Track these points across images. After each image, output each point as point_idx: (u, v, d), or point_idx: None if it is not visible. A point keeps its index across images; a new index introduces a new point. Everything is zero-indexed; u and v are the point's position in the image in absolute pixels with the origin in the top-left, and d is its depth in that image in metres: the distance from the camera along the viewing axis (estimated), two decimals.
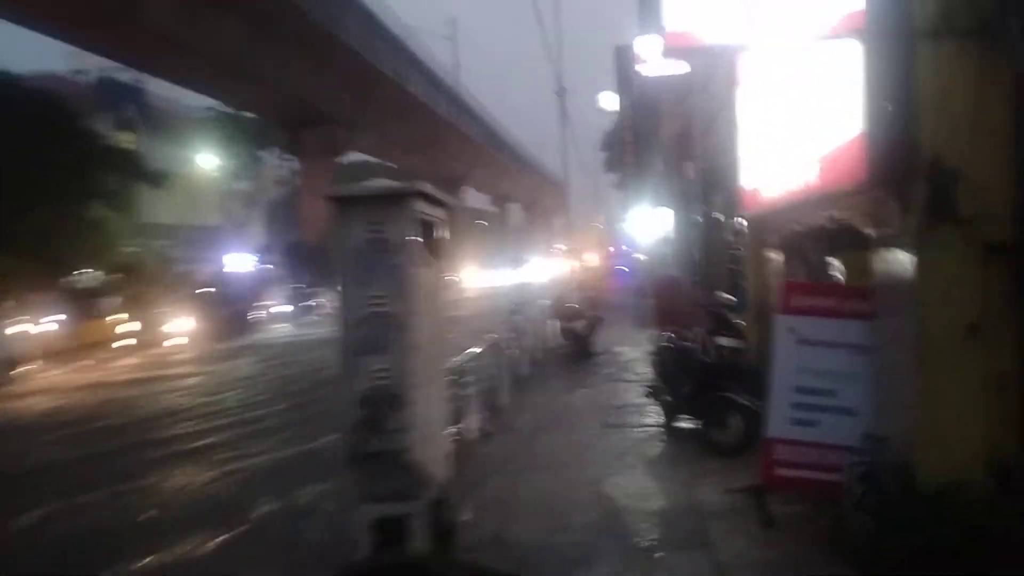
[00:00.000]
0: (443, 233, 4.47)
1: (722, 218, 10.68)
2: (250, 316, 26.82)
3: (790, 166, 5.77)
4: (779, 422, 4.97)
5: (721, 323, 6.85)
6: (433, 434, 4.04)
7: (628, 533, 4.98)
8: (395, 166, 58.39)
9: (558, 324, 13.27)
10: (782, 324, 5.00)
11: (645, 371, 10.15)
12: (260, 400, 11.72)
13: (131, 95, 47.74)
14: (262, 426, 9.73)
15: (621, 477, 6.13)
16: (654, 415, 7.77)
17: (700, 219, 12.48)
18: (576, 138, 62.02)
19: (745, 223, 8.34)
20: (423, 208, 4.05)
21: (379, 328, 3.81)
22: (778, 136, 6.19)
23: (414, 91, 41.11)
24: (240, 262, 45.74)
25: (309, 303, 32.24)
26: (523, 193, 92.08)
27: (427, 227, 4.19)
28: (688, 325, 8.29)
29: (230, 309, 25.29)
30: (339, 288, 3.86)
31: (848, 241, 5.48)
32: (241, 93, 35.94)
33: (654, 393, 7.45)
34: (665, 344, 7.45)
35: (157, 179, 45.41)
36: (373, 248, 3.83)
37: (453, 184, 67.26)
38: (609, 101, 24.95)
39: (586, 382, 10.49)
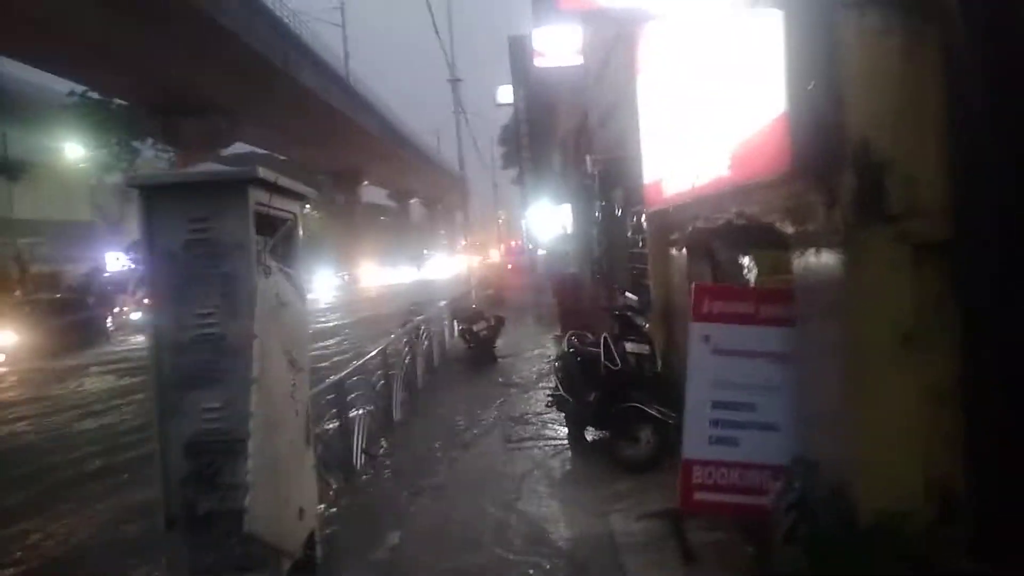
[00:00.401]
0: (297, 232, 3.63)
1: (621, 214, 10.26)
2: (108, 323, 23.72)
3: (697, 156, 5.29)
4: (696, 441, 4.46)
5: (627, 326, 6.33)
6: (285, 486, 3.20)
7: (536, 573, 4.34)
8: (283, 158, 56.10)
9: (457, 326, 12.53)
10: (696, 332, 4.48)
11: (549, 377, 9.61)
12: (81, 436, 9.29)
13: None
14: (79, 472, 7.55)
15: (526, 503, 5.48)
16: (559, 427, 7.20)
17: (599, 216, 12.07)
18: (474, 133, 61.42)
19: (646, 220, 7.89)
20: (266, 200, 3.20)
21: (208, 355, 2.95)
22: (684, 124, 5.70)
23: (303, 80, 39.03)
24: (113, 261, 42.25)
25: None
26: (424, 189, 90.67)
27: (274, 224, 3.35)
28: (591, 328, 7.80)
29: (75, 317, 21.60)
30: (150, 304, 2.95)
31: (759, 239, 5.05)
32: (108, 77, 32.98)
33: (558, 403, 6.86)
34: (568, 349, 6.86)
35: (14, 170, 41.14)
36: (196, 252, 2.97)
37: (351, 178, 65.19)
38: (505, 95, 24.40)
39: (487, 391, 9.76)
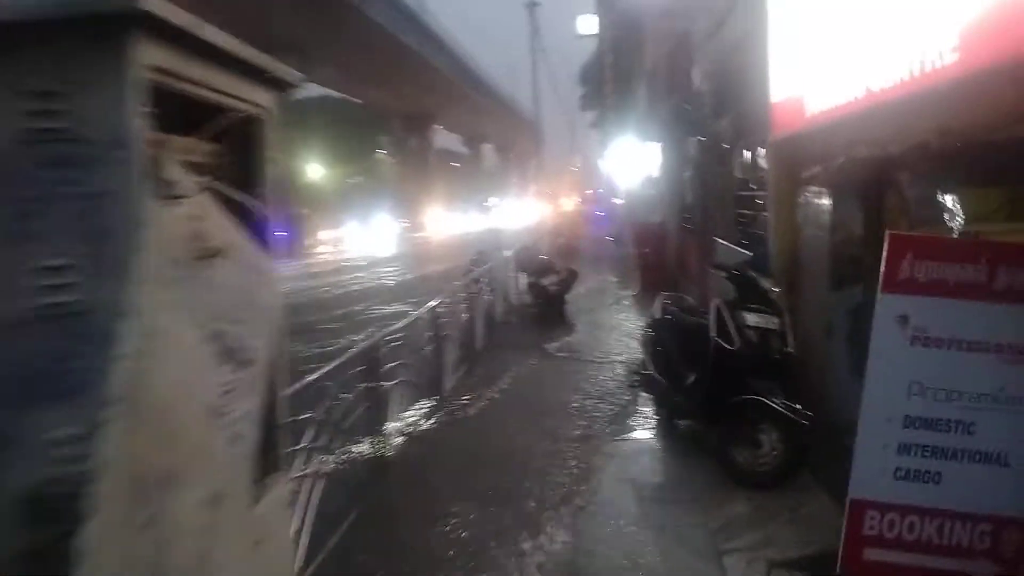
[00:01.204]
0: (263, 138, 2.26)
1: (727, 150, 8.49)
2: None
3: (883, 48, 3.59)
4: (872, 473, 2.94)
5: (748, 291, 4.73)
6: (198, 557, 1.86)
7: None
8: (359, 101, 55.17)
9: (524, 278, 11.12)
10: (887, 309, 2.89)
11: (630, 345, 8.10)
12: None
13: None
14: None
15: (601, 527, 4.08)
16: (644, 413, 5.74)
17: (695, 154, 10.29)
18: (553, 74, 58.83)
19: (768, 152, 6.17)
20: (179, 69, 1.81)
21: (59, 343, 1.64)
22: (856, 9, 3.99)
23: (375, 15, 37.55)
24: None
25: None
26: (498, 134, 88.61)
27: (211, 114, 1.98)
28: (677, 285, 6.25)
29: None
30: None
31: (980, 168, 3.37)
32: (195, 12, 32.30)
33: (644, 383, 5.40)
34: (662, 316, 5.34)
35: None
36: (37, 153, 1.63)
37: (423, 122, 63.86)
38: (587, 24, 22.26)
39: (555, 358, 8.35)
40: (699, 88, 9.11)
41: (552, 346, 8.74)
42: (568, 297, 10.42)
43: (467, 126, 78.66)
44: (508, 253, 11.60)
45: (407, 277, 18.87)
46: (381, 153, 60.17)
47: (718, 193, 9.09)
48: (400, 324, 6.00)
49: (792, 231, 5.81)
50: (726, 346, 4.45)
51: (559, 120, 53.04)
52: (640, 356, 5.79)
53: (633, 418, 5.79)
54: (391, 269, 22.28)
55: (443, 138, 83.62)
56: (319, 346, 9.05)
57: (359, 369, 4.64)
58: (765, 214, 6.62)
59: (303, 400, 3.50)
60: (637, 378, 5.54)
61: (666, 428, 5.27)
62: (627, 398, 6.21)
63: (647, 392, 5.39)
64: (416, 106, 59.12)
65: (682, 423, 5.15)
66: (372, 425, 4.79)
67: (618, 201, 36.27)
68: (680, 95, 10.60)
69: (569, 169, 57.37)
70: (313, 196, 47.07)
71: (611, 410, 6.04)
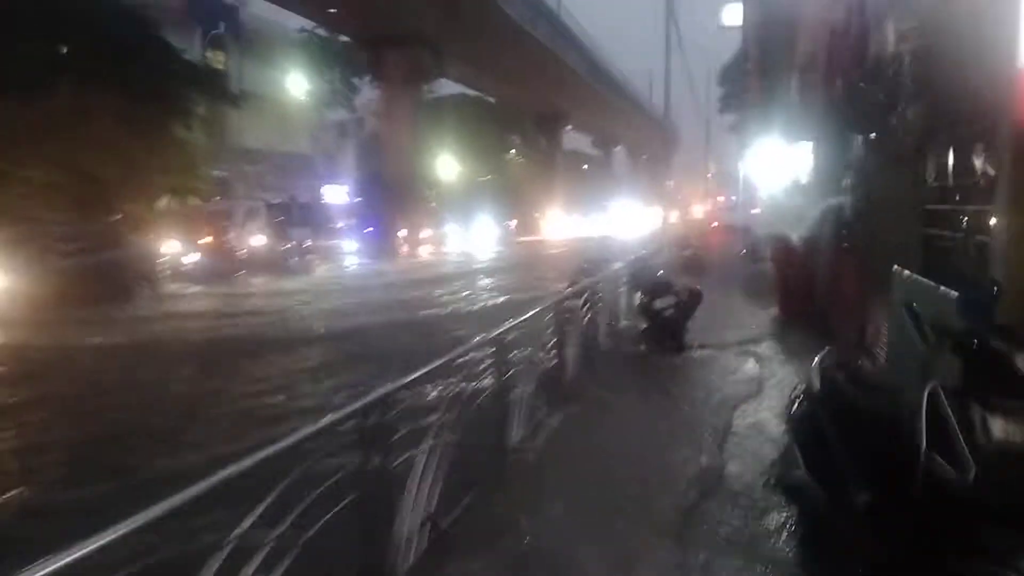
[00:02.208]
0: None
1: (914, 150, 6.36)
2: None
3: None
4: None
5: (986, 372, 2.80)
6: None
7: None
8: (492, 99, 54.70)
9: (637, 297, 9.35)
10: None
11: (772, 409, 6.14)
12: None
13: (223, 12, 45.91)
14: None
15: None
16: (794, 533, 3.88)
17: (865, 152, 8.13)
18: (691, 73, 55.70)
19: (1006, 146, 4.14)
20: None
21: None
22: None
23: (510, 10, 36.65)
24: (334, 194, 43.99)
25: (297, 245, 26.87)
26: (630, 136, 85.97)
27: None
28: (839, 322, 4.27)
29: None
30: None
31: None
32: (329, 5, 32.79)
33: (790, 488, 3.57)
34: (824, 388, 3.49)
35: (247, 102, 43.69)
36: None
37: (554, 121, 62.66)
38: (732, 15, 19.95)
39: (664, 416, 6.26)
40: (876, 66, 7.01)
41: (660, 390, 6.92)
42: (690, 324, 8.54)
43: (598, 127, 76.70)
44: (620, 265, 9.82)
45: (495, 297, 16.97)
46: (512, 153, 59.32)
47: (895, 205, 6.95)
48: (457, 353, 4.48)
49: None
50: (946, 467, 2.59)
51: (696, 123, 49.71)
52: (784, 439, 3.93)
53: (773, 533, 3.91)
54: (487, 282, 20.23)
55: (574, 140, 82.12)
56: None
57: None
58: (981, 238, 4.59)
59: None
60: (780, 479, 3.71)
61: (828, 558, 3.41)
62: (764, 505, 4.31)
63: (795, 503, 3.56)
64: (547, 105, 57.99)
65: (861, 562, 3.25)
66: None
67: (756, 211, 33.21)
68: (844, 80, 8.45)
69: (703, 175, 54.03)
70: (444, 193, 47.10)
71: (737, 530, 4.08)
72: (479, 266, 25.80)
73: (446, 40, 36.18)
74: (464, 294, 17.02)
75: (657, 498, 4.35)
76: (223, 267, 20.76)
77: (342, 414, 3.14)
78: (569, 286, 8.75)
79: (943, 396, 2.75)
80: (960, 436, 2.61)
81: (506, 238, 43.58)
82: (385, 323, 12.91)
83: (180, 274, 20.20)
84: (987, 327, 3.00)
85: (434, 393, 4.21)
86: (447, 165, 46.20)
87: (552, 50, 44.19)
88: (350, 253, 29.89)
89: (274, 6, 41.84)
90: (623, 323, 9.77)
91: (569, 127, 66.94)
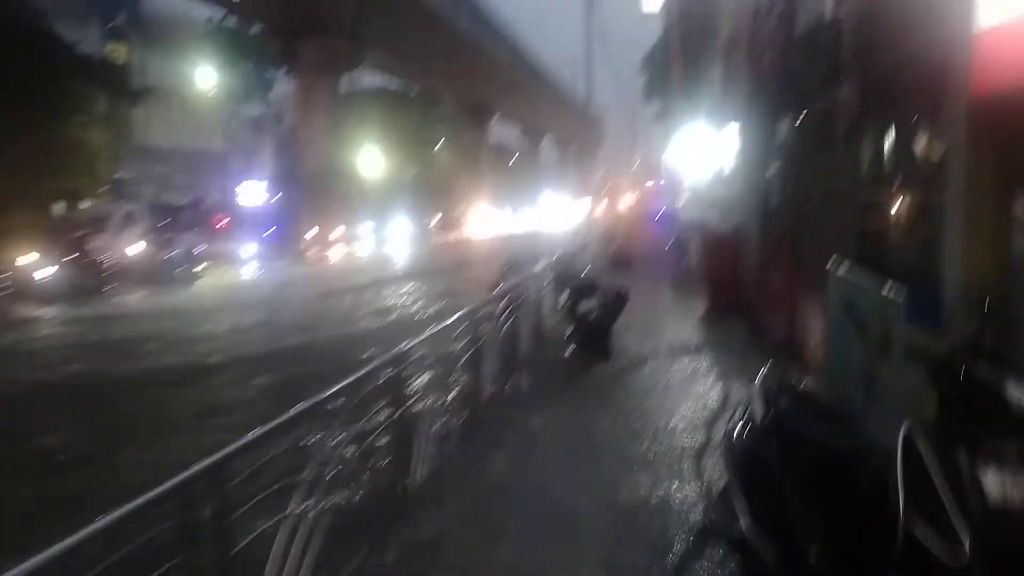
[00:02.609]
0: None
1: (847, 132, 5.90)
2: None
3: None
4: None
5: (967, 404, 2.23)
6: None
7: None
8: (415, 92, 53.35)
9: (562, 298, 8.71)
10: None
11: (696, 420, 5.59)
12: None
13: (123, 3, 43.13)
14: None
15: None
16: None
17: (793, 136, 7.71)
18: (615, 63, 55.77)
19: (957, 124, 3.64)
20: None
21: None
22: None
23: (430, 1, 35.69)
24: (251, 192, 41.51)
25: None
26: (556, 127, 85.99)
27: None
28: (767, 318, 3.68)
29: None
30: None
31: None
32: None
33: (730, 543, 2.94)
34: (768, 416, 2.87)
35: (152, 97, 41.11)
36: None
37: (481, 113, 61.84)
38: (653, 1, 19.63)
39: (584, 431, 5.59)
40: (808, 36, 6.54)
41: (583, 407, 6.28)
42: (617, 326, 7.95)
43: (525, 118, 76.30)
44: (544, 264, 9.16)
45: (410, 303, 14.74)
46: (438, 146, 57.91)
47: (826, 193, 6.52)
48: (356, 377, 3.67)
49: (999, 259, 3.31)
50: (931, 534, 1.98)
51: (621, 113, 49.75)
52: (718, 478, 3.31)
53: None
54: (399, 290, 16.91)
55: (501, 133, 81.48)
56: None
57: None
58: (925, 230, 4.11)
59: None
60: (717, 531, 3.09)
61: None
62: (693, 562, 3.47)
63: (735, 561, 2.94)
64: (473, 96, 57.17)
65: None
66: None
67: (680, 201, 33.30)
68: (772, 54, 8.02)
69: (629, 166, 54.28)
70: (367, 190, 45.56)
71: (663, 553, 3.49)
72: (392, 271, 22.97)
73: (363, 28, 34.86)
74: (369, 308, 14.11)
75: (565, 549, 3.68)
76: (87, 282, 17.27)
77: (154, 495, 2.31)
78: (490, 291, 8.06)
79: (921, 441, 2.16)
80: (948, 494, 2.02)
81: (425, 237, 40.38)
82: (268, 351, 9.95)
83: (29, 292, 16.12)
84: (970, 349, 2.43)
85: (313, 439, 3.38)
86: (370, 160, 44.65)
87: (474, 39, 43.42)
88: (250, 258, 26.21)
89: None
90: (548, 326, 9.14)
91: (496, 117, 66.28)
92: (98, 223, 20.26)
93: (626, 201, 40.56)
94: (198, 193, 37.22)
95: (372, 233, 37.93)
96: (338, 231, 33.49)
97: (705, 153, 12.57)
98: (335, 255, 29.30)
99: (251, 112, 52.44)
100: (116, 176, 38.71)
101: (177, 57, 42.57)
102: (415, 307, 13.79)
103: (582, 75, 49.57)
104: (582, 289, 7.64)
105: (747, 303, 9.40)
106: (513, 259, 10.81)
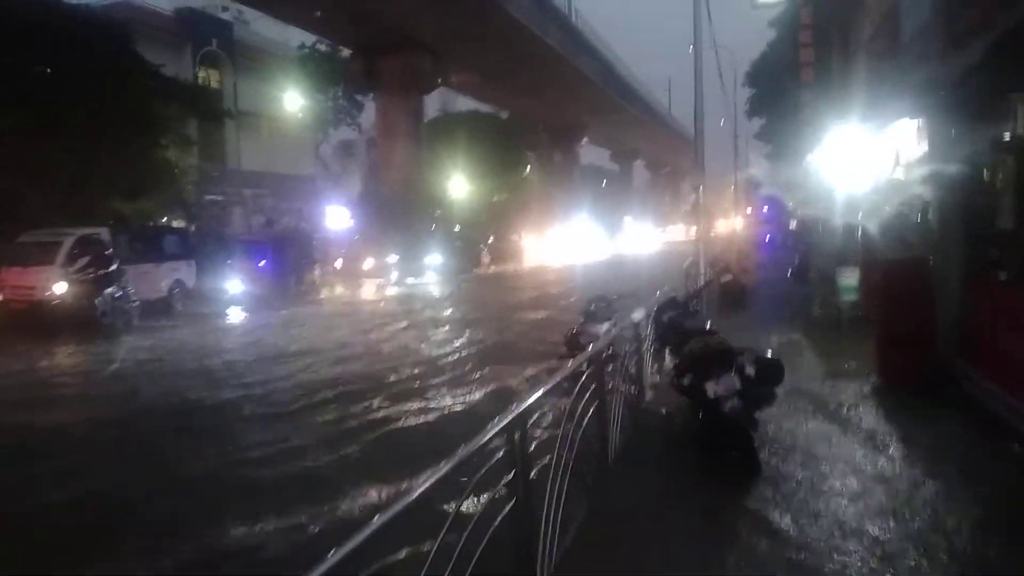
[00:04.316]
0: None
1: None
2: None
3: None
4: None
5: None
6: None
7: None
8: (505, 114, 51.62)
9: (667, 358, 5.88)
10: None
11: None
12: None
13: (215, 28, 43.52)
14: None
15: None
16: None
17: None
18: (714, 78, 52.10)
19: None
20: None
21: None
22: None
23: (516, 13, 33.60)
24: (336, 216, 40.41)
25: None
26: (649, 149, 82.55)
27: None
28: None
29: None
30: None
31: None
32: (315, 9, 29.87)
33: None
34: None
35: (244, 121, 41.15)
36: None
37: (569, 134, 59.52)
38: None
39: None
40: None
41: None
42: (754, 409, 5.04)
43: (616, 140, 73.41)
44: (641, 313, 6.30)
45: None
46: (528, 170, 55.61)
47: None
48: None
49: None
50: None
51: (721, 131, 46.00)
52: None
53: None
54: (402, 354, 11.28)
55: (591, 154, 78.86)
56: None
57: None
58: None
59: None
60: None
61: None
62: None
63: None
64: (562, 117, 54.92)
65: None
66: None
67: (796, 220, 29.55)
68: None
69: (729, 187, 50.32)
70: (453, 214, 43.90)
71: None
72: (416, 315, 16.73)
73: (444, 42, 33.22)
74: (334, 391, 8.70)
75: None
76: None
77: None
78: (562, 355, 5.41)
79: None
80: None
81: (477, 267, 33.64)
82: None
83: None
84: None
85: None
86: (457, 184, 42.92)
87: (565, 56, 41.10)
88: (230, 299, 19.78)
89: (276, 25, 39.45)
90: (648, 398, 6.33)
91: (585, 140, 63.75)
92: (35, 253, 15.48)
93: (733, 224, 36.92)
94: (269, 217, 36.23)
95: (403, 263, 30.26)
96: (367, 262, 28.97)
97: (858, 161, 9.45)
98: (356, 291, 23.96)
99: (342, 136, 52.23)
100: (208, 198, 38.82)
101: (270, 83, 42.48)
102: (415, 406, 7.88)
103: (678, 93, 46.28)
104: (711, 357, 4.79)
105: (946, 361, 6.33)
106: (599, 300, 8.06)
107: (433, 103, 50.26)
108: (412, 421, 7.32)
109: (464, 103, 50.60)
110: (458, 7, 30.08)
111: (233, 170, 43.93)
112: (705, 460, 4.76)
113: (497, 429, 2.73)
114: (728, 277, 13.60)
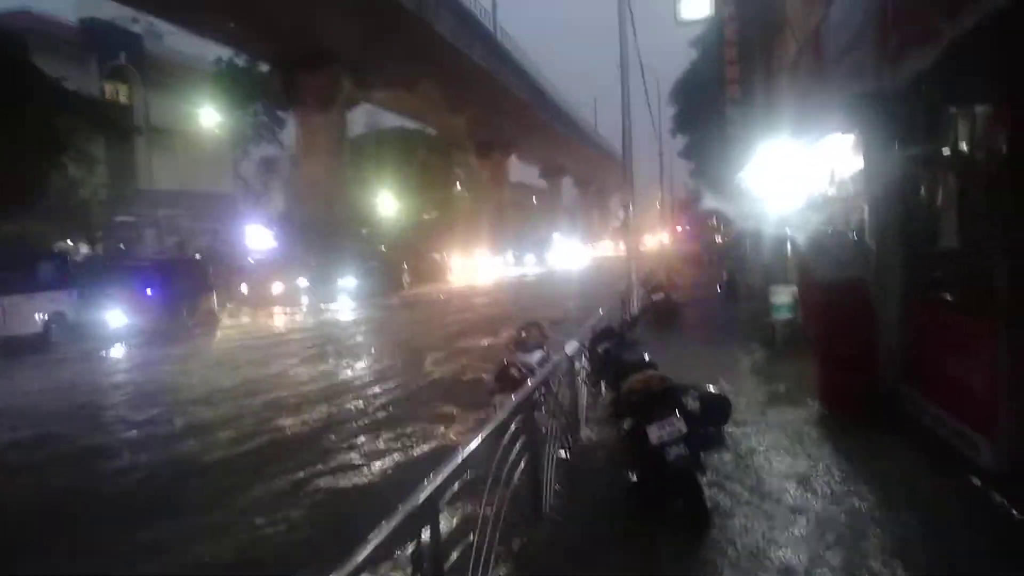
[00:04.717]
0: None
1: None
2: None
3: None
4: None
5: None
6: None
7: None
8: (433, 131, 50.93)
9: (620, 421, 5.30)
10: None
11: None
12: None
13: (123, 41, 41.26)
14: None
15: None
16: None
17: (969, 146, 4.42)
18: (646, 90, 52.95)
19: None
20: None
21: None
22: None
23: (441, 29, 33.20)
24: (256, 236, 38.67)
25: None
26: (576, 167, 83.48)
27: None
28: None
29: None
30: None
31: None
32: (230, 21, 28.54)
33: None
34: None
35: (155, 138, 39.14)
36: None
37: (498, 151, 59.39)
38: (695, 6, 16.57)
39: None
40: None
41: None
42: (705, 450, 4.53)
43: (544, 157, 73.85)
44: (574, 346, 5.70)
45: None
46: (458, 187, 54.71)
47: None
48: None
49: None
50: None
51: (648, 148, 46.55)
52: None
53: None
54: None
55: (521, 172, 78.96)
56: None
57: None
58: None
59: None
60: None
61: None
62: None
63: None
64: (490, 134, 54.75)
65: None
66: None
67: (721, 236, 30.03)
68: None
69: (655, 203, 51.07)
70: (386, 232, 42.70)
71: None
72: (315, 350, 14.08)
73: (366, 58, 32.41)
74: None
75: None
76: None
77: None
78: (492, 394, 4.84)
79: None
80: None
81: (401, 289, 30.40)
82: None
83: None
84: None
85: None
86: (385, 201, 41.85)
87: (490, 73, 40.93)
88: (123, 329, 17.01)
89: (193, 39, 37.63)
90: (584, 436, 5.78)
91: (513, 157, 63.78)
92: None
93: (660, 239, 37.28)
94: (181, 239, 34.36)
95: (314, 288, 27.46)
96: (276, 287, 26.20)
97: (789, 177, 9.26)
98: (255, 320, 21.20)
99: (265, 153, 50.39)
100: (118, 219, 36.52)
101: (183, 98, 40.52)
102: (326, 471, 6.25)
103: (603, 111, 46.63)
104: (652, 398, 4.26)
105: (887, 388, 6.05)
106: (530, 326, 7.49)
107: (360, 120, 49.16)
108: (284, 509, 5.32)
109: (393, 120, 49.73)
110: (379, 22, 29.41)
111: (146, 190, 41.62)
112: (648, 510, 4.22)
113: (395, 526, 2.09)
114: (660, 296, 13.32)
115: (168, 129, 41.25)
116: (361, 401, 9.09)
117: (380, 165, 40.37)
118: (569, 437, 5.36)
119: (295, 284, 26.96)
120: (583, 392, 5.84)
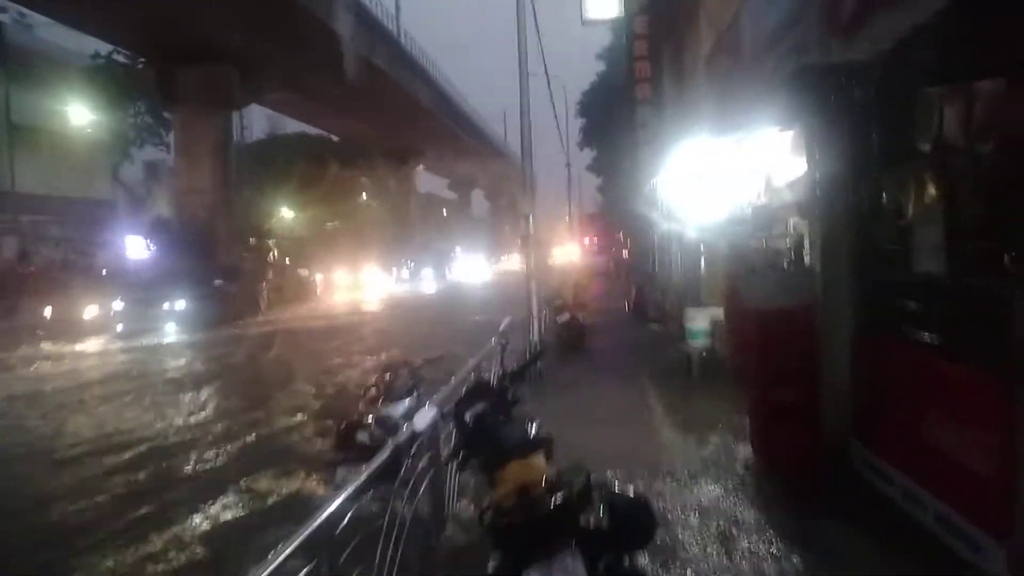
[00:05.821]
0: None
1: None
2: None
3: None
4: None
5: None
6: None
7: None
8: (336, 137, 48.35)
9: (478, 478, 3.67)
10: None
11: None
12: None
13: None
14: None
15: None
16: None
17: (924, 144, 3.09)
18: (543, 111, 52.38)
19: None
20: None
21: None
22: None
23: (338, 27, 30.92)
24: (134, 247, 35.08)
25: None
26: (486, 179, 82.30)
27: None
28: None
29: None
30: None
31: None
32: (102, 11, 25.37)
33: None
34: None
35: (19, 137, 35.04)
36: None
37: (406, 160, 57.27)
38: (602, 6, 15.41)
39: None
40: None
41: None
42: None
43: (453, 169, 72.26)
44: (429, 417, 4.01)
45: None
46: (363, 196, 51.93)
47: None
48: None
49: None
50: None
51: (554, 163, 45.56)
52: None
53: None
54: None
55: (431, 182, 77.08)
56: None
57: None
58: None
59: None
60: None
61: None
62: None
63: None
64: (397, 143, 52.60)
65: None
66: None
67: (627, 250, 29.28)
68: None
69: (563, 217, 50.38)
70: (286, 243, 39.78)
71: None
72: (112, 401, 10.29)
73: (258, 58, 29.79)
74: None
75: None
76: None
77: None
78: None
79: None
80: None
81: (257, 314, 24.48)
82: None
83: None
84: None
85: None
86: (279, 211, 39.02)
87: (394, 78, 38.90)
88: None
89: (70, 32, 33.61)
90: (449, 532, 4.12)
91: (421, 167, 61.79)
92: None
93: (569, 254, 36.29)
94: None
95: (132, 311, 20.88)
96: (89, 310, 21.82)
97: (711, 184, 7.97)
98: (57, 352, 16.29)
99: (150, 157, 46.39)
100: None
101: (54, 95, 36.45)
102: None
103: (512, 124, 45.68)
104: (536, 528, 2.62)
105: (846, 451, 4.70)
106: (397, 367, 5.74)
107: (261, 125, 45.93)
108: None
109: (297, 126, 46.92)
110: (264, 15, 26.94)
111: (7, 193, 37.16)
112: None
113: None
114: (565, 316, 11.88)
115: (34, 127, 37.07)
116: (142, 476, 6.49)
117: (278, 172, 37.62)
118: (429, 533, 3.68)
119: (108, 308, 21.41)
120: (451, 472, 4.18)
